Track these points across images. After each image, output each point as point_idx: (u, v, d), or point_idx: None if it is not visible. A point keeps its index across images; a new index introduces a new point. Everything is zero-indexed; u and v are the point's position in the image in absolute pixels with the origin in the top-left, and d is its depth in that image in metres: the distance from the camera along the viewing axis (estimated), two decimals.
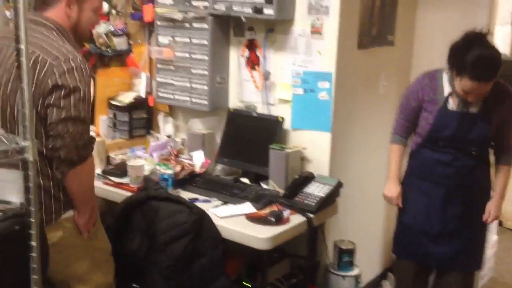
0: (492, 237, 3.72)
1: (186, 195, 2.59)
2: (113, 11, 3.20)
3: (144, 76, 3.20)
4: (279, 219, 2.39)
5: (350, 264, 2.84)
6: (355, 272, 2.83)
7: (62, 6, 1.97)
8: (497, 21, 3.60)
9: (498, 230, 3.91)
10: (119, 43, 3.18)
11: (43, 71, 1.82)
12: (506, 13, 4.20)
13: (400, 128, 2.68)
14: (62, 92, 1.82)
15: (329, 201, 2.60)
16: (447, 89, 2.48)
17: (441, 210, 2.55)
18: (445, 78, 2.49)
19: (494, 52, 2.34)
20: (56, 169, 1.90)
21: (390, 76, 3.13)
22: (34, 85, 1.81)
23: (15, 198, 1.44)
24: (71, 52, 1.90)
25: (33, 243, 1.36)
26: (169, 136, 3.11)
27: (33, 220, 1.34)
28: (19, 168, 1.36)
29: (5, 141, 1.30)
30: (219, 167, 2.97)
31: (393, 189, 2.67)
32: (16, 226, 1.40)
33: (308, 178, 2.65)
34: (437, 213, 2.56)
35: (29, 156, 1.28)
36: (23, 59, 1.21)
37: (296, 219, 2.44)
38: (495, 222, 3.74)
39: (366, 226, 3.26)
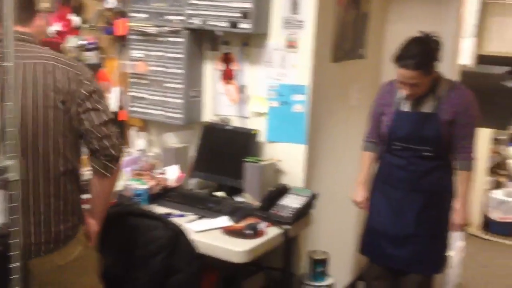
0: (458, 243, 3.82)
1: (160, 210, 2.57)
2: (85, 25, 3.16)
3: (115, 90, 3.16)
4: (255, 232, 2.40)
5: (324, 274, 2.86)
6: (328, 282, 2.85)
7: (37, 21, 1.96)
8: (461, 33, 3.71)
9: (463, 236, 4.01)
10: (90, 57, 3.13)
11: (70, 80, 1.86)
12: (470, 27, 4.33)
13: (369, 135, 2.80)
14: (96, 96, 1.90)
15: (304, 213, 2.62)
16: (408, 99, 2.59)
17: (398, 213, 2.64)
18: None
19: (423, 45, 2.46)
20: (104, 169, 1.94)
21: (362, 88, 3.20)
22: (64, 95, 1.84)
23: None
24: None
25: (16, 264, 1.32)
26: (142, 151, 3.08)
27: (16, 241, 1.30)
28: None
29: None
30: (193, 181, 2.95)
31: (358, 194, 2.80)
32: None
33: (283, 190, 2.66)
34: (394, 217, 2.65)
35: (14, 175, 1.25)
36: (11, 77, 1.18)
37: (272, 232, 2.45)
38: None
39: (339, 235, 3.29)
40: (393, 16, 3.28)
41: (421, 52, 2.43)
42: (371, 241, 2.77)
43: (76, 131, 1.90)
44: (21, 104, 1.77)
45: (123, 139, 2.12)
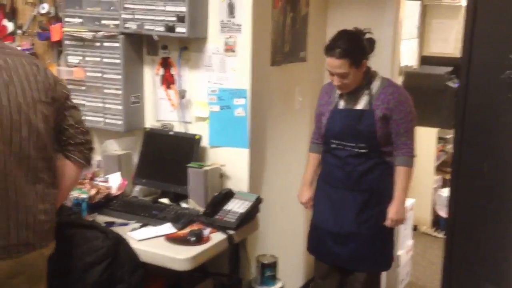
0: (408, 242, 3.88)
1: (102, 219, 2.52)
2: (19, 31, 3.08)
3: None
4: (199, 238, 2.37)
5: (273, 278, 2.85)
6: (277, 286, 2.85)
7: None
8: (404, 35, 3.78)
9: (413, 235, 4.08)
10: None
11: (53, 78, 1.98)
12: (412, 28, 4.43)
13: (314, 136, 2.83)
14: (70, 96, 2.08)
15: (249, 217, 2.60)
16: (339, 91, 2.63)
17: (338, 212, 2.66)
18: None
19: (350, 36, 2.52)
20: (85, 160, 2.12)
21: (304, 91, 3.21)
22: (53, 92, 1.95)
23: None
24: None
25: None
26: None
27: None
28: None
29: None
30: (137, 188, 2.90)
31: (302, 194, 2.84)
32: None
33: (228, 195, 2.64)
34: (335, 215, 2.67)
35: None
36: None
37: (216, 237, 2.42)
38: (409, 227, 3.90)
39: (288, 238, 3.29)
40: (332, 19, 3.32)
41: (348, 42, 2.49)
42: (316, 240, 2.79)
43: (59, 126, 2.01)
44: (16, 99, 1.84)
45: None
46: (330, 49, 2.50)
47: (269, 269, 2.83)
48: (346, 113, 2.61)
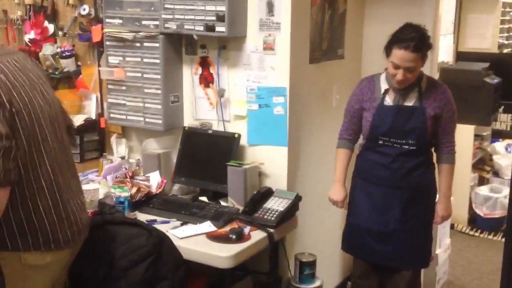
0: (445, 240, 3.83)
1: (143, 217, 2.55)
2: (60, 33, 3.13)
3: (94, 97, 3.14)
4: (240, 236, 2.38)
5: (312, 277, 2.84)
6: (316, 284, 2.83)
7: None
8: (440, 31, 3.72)
9: (450, 233, 4.02)
10: (67, 64, 3.11)
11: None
12: (448, 24, 4.36)
13: (345, 131, 2.78)
14: None
15: (288, 215, 2.60)
16: (384, 87, 2.61)
17: (381, 210, 2.64)
18: (383, 77, 2.62)
19: (420, 30, 2.49)
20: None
21: (342, 89, 3.19)
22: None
23: None
24: None
25: None
26: (123, 158, 3.04)
27: None
28: None
29: None
30: (176, 186, 2.92)
31: (338, 193, 2.76)
32: None
33: (267, 193, 2.65)
34: (378, 213, 2.64)
35: None
36: None
37: (257, 235, 2.43)
38: (447, 225, 3.86)
39: (326, 237, 3.28)
40: (370, 16, 3.29)
41: (420, 36, 2.47)
42: (356, 239, 2.76)
43: None
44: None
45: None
46: (403, 42, 2.44)
47: (308, 267, 2.82)
48: (396, 110, 2.58)
